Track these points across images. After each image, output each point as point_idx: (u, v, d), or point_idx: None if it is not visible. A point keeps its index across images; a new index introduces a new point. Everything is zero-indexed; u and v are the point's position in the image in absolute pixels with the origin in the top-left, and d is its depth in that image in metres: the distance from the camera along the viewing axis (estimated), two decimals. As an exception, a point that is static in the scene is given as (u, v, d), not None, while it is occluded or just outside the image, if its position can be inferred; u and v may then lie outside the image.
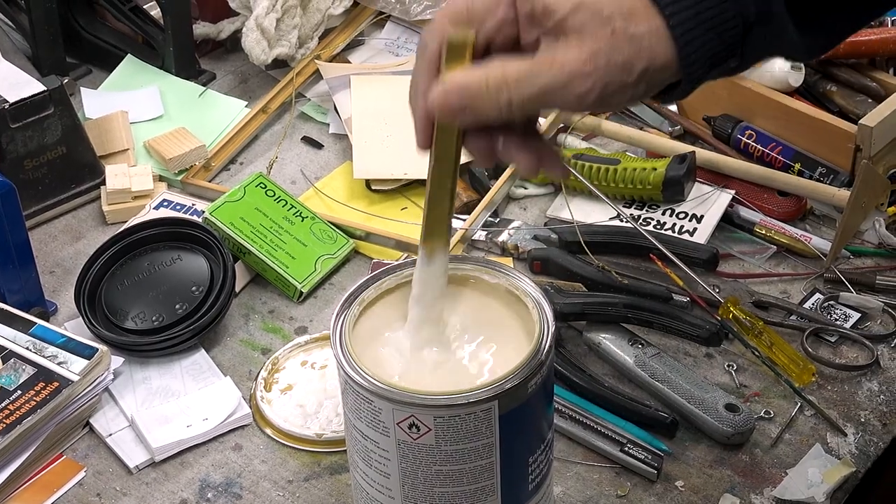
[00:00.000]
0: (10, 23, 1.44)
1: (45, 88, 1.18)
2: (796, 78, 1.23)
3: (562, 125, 1.29)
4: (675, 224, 1.18)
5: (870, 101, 1.24)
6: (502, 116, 0.70)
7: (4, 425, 0.91)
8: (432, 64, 0.70)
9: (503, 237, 1.16)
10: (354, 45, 1.48)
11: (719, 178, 1.22)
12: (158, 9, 1.41)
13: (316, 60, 1.41)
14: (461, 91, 0.69)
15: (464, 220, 1.17)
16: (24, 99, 1.17)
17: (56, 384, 0.95)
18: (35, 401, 0.93)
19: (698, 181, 1.21)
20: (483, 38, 0.70)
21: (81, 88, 1.40)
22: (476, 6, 0.70)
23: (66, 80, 1.25)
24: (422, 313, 0.79)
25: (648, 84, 0.72)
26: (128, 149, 1.29)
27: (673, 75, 0.73)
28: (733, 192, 1.20)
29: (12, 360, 0.97)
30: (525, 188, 1.25)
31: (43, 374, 0.96)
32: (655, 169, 1.18)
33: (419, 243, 0.78)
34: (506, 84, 0.69)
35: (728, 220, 1.19)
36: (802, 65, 1.24)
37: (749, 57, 0.77)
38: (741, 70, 0.77)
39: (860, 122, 1.15)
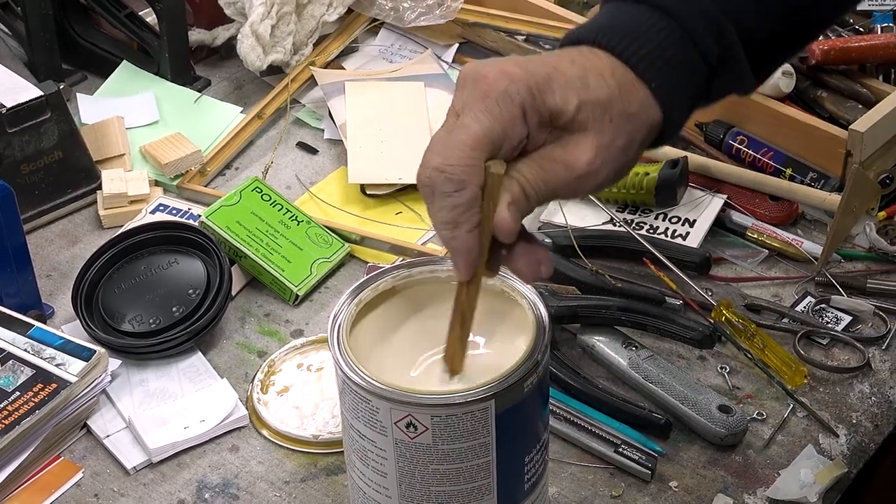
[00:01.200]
0: (6, 29, 1.45)
1: (42, 94, 1.19)
2: (787, 84, 1.24)
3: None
4: (667, 228, 1.19)
5: (860, 106, 1.25)
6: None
7: (3, 426, 0.91)
8: (477, 200, 0.71)
9: (498, 241, 1.17)
10: (349, 51, 1.48)
11: (711, 182, 1.22)
12: (154, 15, 1.42)
13: (310, 67, 1.41)
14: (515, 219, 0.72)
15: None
16: (21, 104, 1.17)
17: (54, 386, 0.95)
18: (33, 402, 0.93)
19: (691, 186, 1.21)
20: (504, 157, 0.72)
21: (78, 94, 1.41)
22: (496, 136, 0.71)
23: (62, 86, 1.25)
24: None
25: (642, 148, 0.75)
26: (124, 154, 1.29)
27: (658, 130, 0.77)
28: (725, 196, 1.21)
29: (11, 362, 0.97)
30: (519, 193, 1.25)
31: (41, 376, 0.96)
32: (648, 174, 1.19)
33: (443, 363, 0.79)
34: (532, 194, 0.72)
35: (720, 225, 1.19)
36: (793, 71, 1.25)
37: (713, 97, 0.81)
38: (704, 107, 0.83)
39: (851, 127, 1.16)
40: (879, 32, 1.35)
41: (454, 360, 0.78)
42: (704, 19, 0.77)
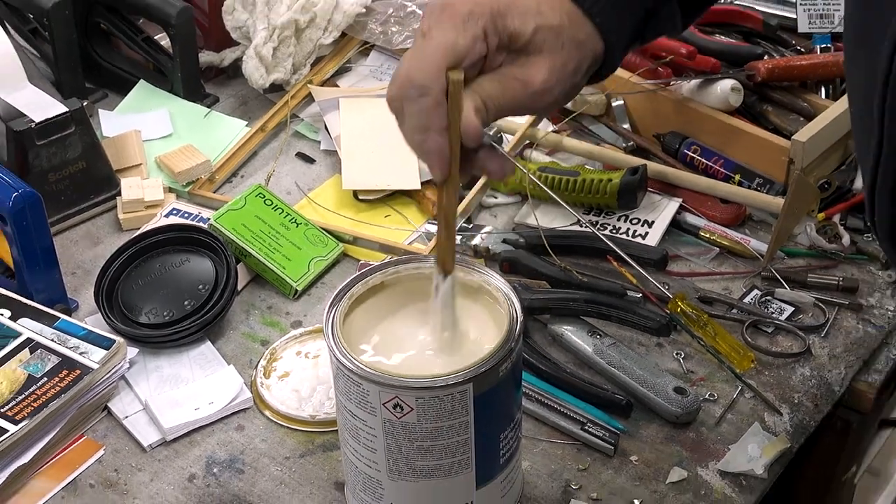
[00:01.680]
0: (35, 52, 1.44)
1: (67, 110, 1.19)
2: (736, 99, 1.25)
3: (528, 142, 1.30)
4: (629, 229, 1.19)
5: (801, 119, 1.25)
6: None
7: (32, 408, 0.92)
8: (442, 105, 0.71)
9: (476, 241, 1.17)
10: (343, 71, 1.48)
11: (668, 187, 1.23)
12: (168, 39, 1.41)
13: (308, 85, 1.41)
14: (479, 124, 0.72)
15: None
16: (49, 119, 1.17)
17: (78, 372, 0.95)
18: (59, 386, 0.94)
19: (649, 191, 1.22)
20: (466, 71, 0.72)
21: (99, 110, 1.40)
22: (460, 49, 0.71)
23: (85, 103, 1.24)
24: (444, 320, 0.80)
25: (586, 75, 0.79)
26: (141, 164, 1.29)
27: (600, 62, 0.80)
28: (680, 200, 1.21)
29: (39, 351, 0.97)
30: (495, 198, 1.25)
31: (66, 363, 0.96)
32: (611, 180, 1.19)
33: (436, 266, 0.79)
34: (492, 106, 0.74)
35: (676, 225, 1.20)
36: (742, 87, 1.25)
37: (647, 39, 0.85)
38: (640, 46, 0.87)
39: (793, 137, 1.17)
40: (819, 53, 1.36)
41: (445, 262, 0.78)
42: None
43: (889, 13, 0.69)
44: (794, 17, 1.40)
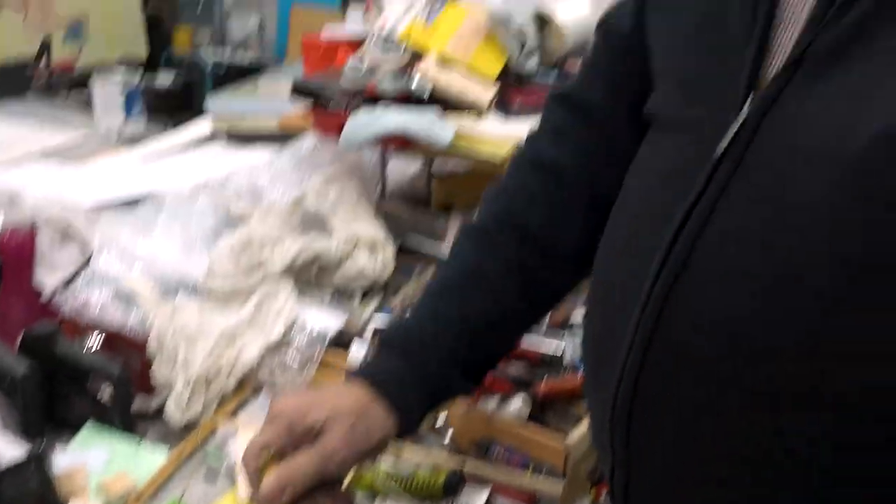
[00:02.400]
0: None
1: (28, 451, 1.34)
2: (526, 410, 1.47)
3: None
4: (454, 513, 1.36)
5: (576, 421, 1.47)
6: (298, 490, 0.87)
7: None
8: (256, 474, 0.89)
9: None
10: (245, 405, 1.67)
11: (481, 479, 1.41)
12: (111, 388, 1.59)
13: (217, 420, 1.59)
14: (273, 490, 0.87)
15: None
16: (11, 464, 1.32)
17: None
18: None
19: (468, 484, 1.40)
20: (278, 451, 0.89)
21: (56, 447, 1.54)
22: (267, 440, 0.89)
23: (44, 442, 1.40)
24: None
25: (386, 441, 0.95)
26: (85, 488, 1.43)
27: (396, 430, 0.95)
28: (490, 486, 1.39)
29: None
30: None
31: None
32: (438, 479, 1.38)
33: None
34: (289, 477, 0.87)
35: (489, 508, 1.37)
36: (530, 402, 1.48)
37: (441, 404, 1.01)
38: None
39: (566, 441, 1.39)
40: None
41: None
42: (430, 364, 0.97)
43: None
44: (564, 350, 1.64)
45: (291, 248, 1.78)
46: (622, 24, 0.98)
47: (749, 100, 0.74)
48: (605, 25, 1.03)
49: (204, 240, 1.84)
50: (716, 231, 0.73)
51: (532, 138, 1.07)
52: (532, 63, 2.07)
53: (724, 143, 0.74)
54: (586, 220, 0.98)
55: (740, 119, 0.74)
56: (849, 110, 0.67)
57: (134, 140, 2.55)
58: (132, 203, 2.03)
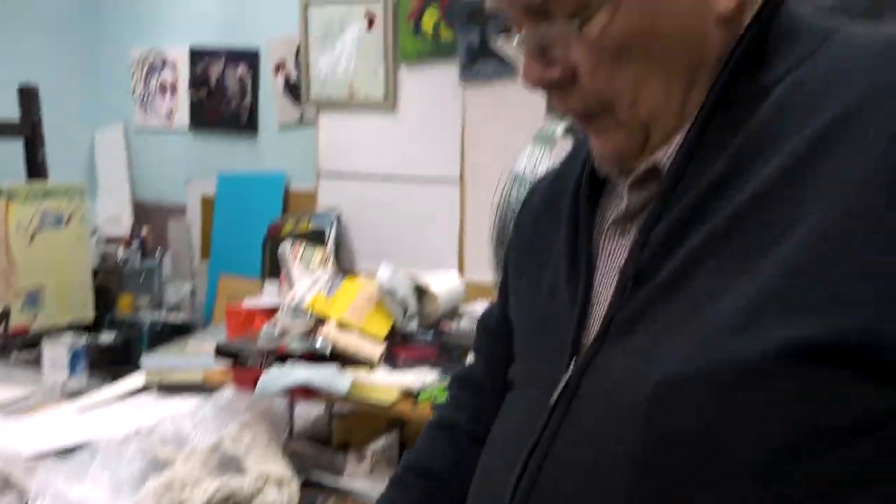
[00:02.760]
0: None
1: None
2: None
3: None
4: None
5: None
6: None
7: None
8: None
9: None
10: None
11: None
12: None
13: None
14: None
15: None
16: None
17: None
18: None
19: None
20: None
21: None
22: None
23: None
24: None
25: None
26: None
27: None
28: None
29: None
30: None
31: None
32: None
33: None
34: None
35: None
36: None
37: None
38: None
39: None
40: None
41: None
42: None
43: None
44: None
45: (209, 488, 1.91)
46: (492, 318, 1.14)
47: (572, 362, 0.83)
48: (482, 322, 1.19)
49: (131, 483, 1.94)
50: (550, 468, 0.79)
51: (439, 407, 1.21)
52: (413, 325, 2.34)
53: (554, 397, 0.82)
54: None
55: (566, 378, 0.82)
56: (640, 364, 0.75)
57: (76, 393, 2.67)
58: (68, 451, 2.12)
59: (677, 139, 0.81)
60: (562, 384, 0.82)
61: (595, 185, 0.92)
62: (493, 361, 1.12)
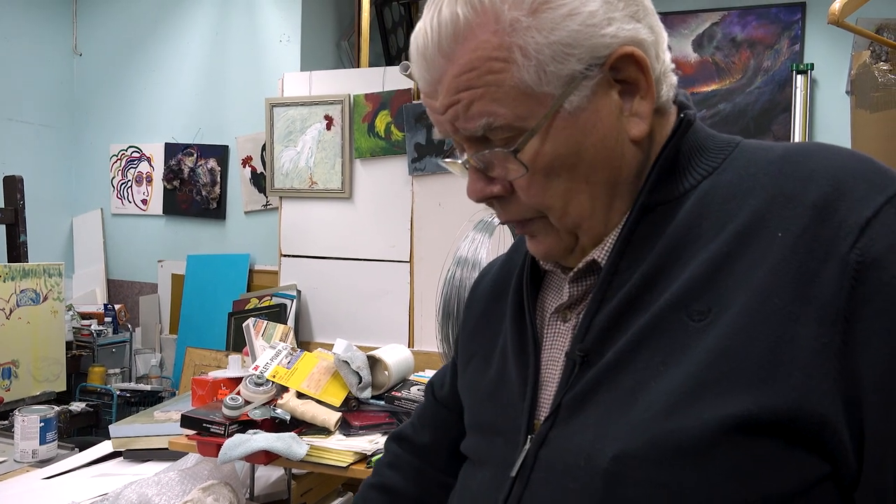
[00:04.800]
0: None
1: None
2: None
3: None
4: None
5: None
6: None
7: None
8: None
9: None
10: None
11: None
12: None
13: None
14: None
15: None
16: None
17: None
18: None
19: None
20: None
21: None
22: None
23: None
24: None
25: None
26: None
27: None
28: None
29: None
30: None
31: None
32: None
33: None
34: None
35: None
36: None
37: None
38: None
39: None
40: None
41: None
42: None
43: None
44: None
45: (171, 550, 1.79)
46: (443, 388, 1.12)
47: (528, 440, 0.83)
48: (432, 386, 1.16)
49: (96, 549, 1.82)
50: None
51: (376, 465, 1.19)
52: (367, 393, 2.28)
53: (514, 471, 0.82)
54: None
55: (523, 454, 0.82)
56: (592, 441, 0.75)
57: (46, 461, 2.52)
58: (36, 518, 1.99)
59: (610, 239, 0.83)
60: (520, 459, 0.82)
61: (535, 275, 0.93)
62: (440, 429, 1.11)
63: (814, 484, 0.68)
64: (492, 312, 0.98)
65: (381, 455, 1.98)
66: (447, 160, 0.88)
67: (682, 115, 0.84)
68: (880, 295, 0.66)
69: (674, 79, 0.84)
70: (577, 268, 0.86)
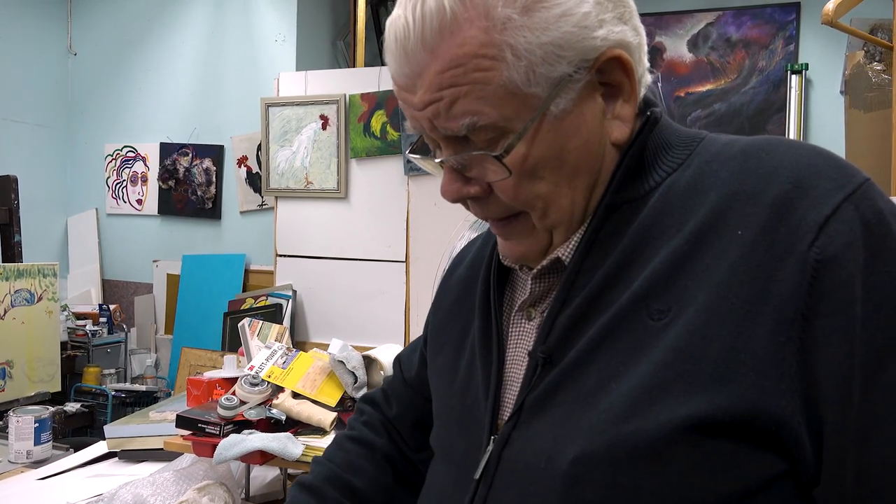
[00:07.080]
0: None
1: None
2: None
3: None
4: None
5: None
6: None
7: None
8: None
9: None
10: None
11: None
12: None
13: None
14: None
15: None
16: None
17: None
18: None
19: None
20: None
21: None
22: None
23: None
24: None
25: None
26: None
27: None
28: None
29: None
30: None
31: None
32: None
33: None
34: None
35: None
36: None
37: None
38: None
39: None
40: None
41: None
42: None
43: None
44: None
45: (166, 550, 1.79)
46: (411, 363, 1.12)
47: (491, 440, 0.82)
48: (400, 363, 1.17)
49: (90, 549, 1.81)
50: None
51: (350, 421, 1.19)
52: (362, 393, 2.28)
53: (478, 472, 0.81)
54: (394, 478, 1.08)
55: (487, 454, 0.81)
56: (553, 442, 0.75)
57: (40, 462, 2.51)
58: (30, 519, 1.98)
59: (575, 238, 0.83)
60: (484, 460, 0.81)
61: (503, 269, 0.93)
62: (406, 407, 1.12)
63: (771, 482, 0.68)
64: (463, 301, 0.97)
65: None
66: (417, 156, 0.85)
67: (648, 113, 0.83)
68: (839, 293, 0.66)
69: (649, 78, 0.84)
70: (541, 265, 0.85)
